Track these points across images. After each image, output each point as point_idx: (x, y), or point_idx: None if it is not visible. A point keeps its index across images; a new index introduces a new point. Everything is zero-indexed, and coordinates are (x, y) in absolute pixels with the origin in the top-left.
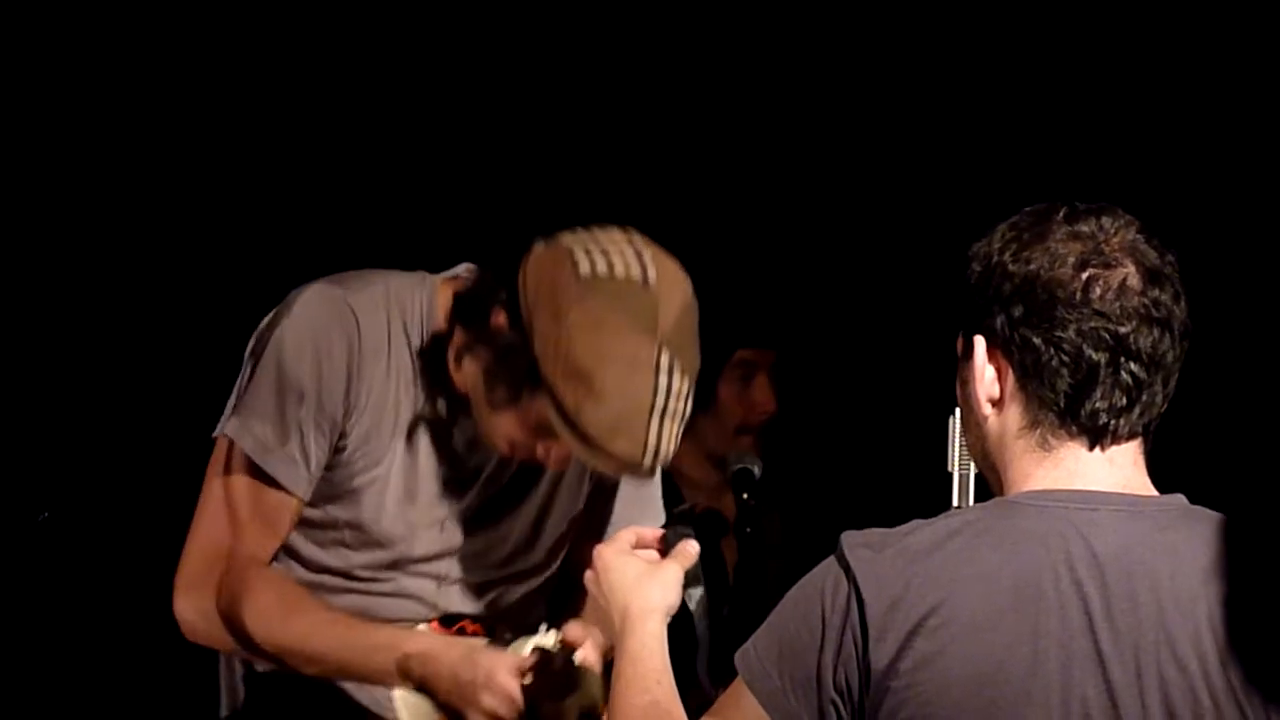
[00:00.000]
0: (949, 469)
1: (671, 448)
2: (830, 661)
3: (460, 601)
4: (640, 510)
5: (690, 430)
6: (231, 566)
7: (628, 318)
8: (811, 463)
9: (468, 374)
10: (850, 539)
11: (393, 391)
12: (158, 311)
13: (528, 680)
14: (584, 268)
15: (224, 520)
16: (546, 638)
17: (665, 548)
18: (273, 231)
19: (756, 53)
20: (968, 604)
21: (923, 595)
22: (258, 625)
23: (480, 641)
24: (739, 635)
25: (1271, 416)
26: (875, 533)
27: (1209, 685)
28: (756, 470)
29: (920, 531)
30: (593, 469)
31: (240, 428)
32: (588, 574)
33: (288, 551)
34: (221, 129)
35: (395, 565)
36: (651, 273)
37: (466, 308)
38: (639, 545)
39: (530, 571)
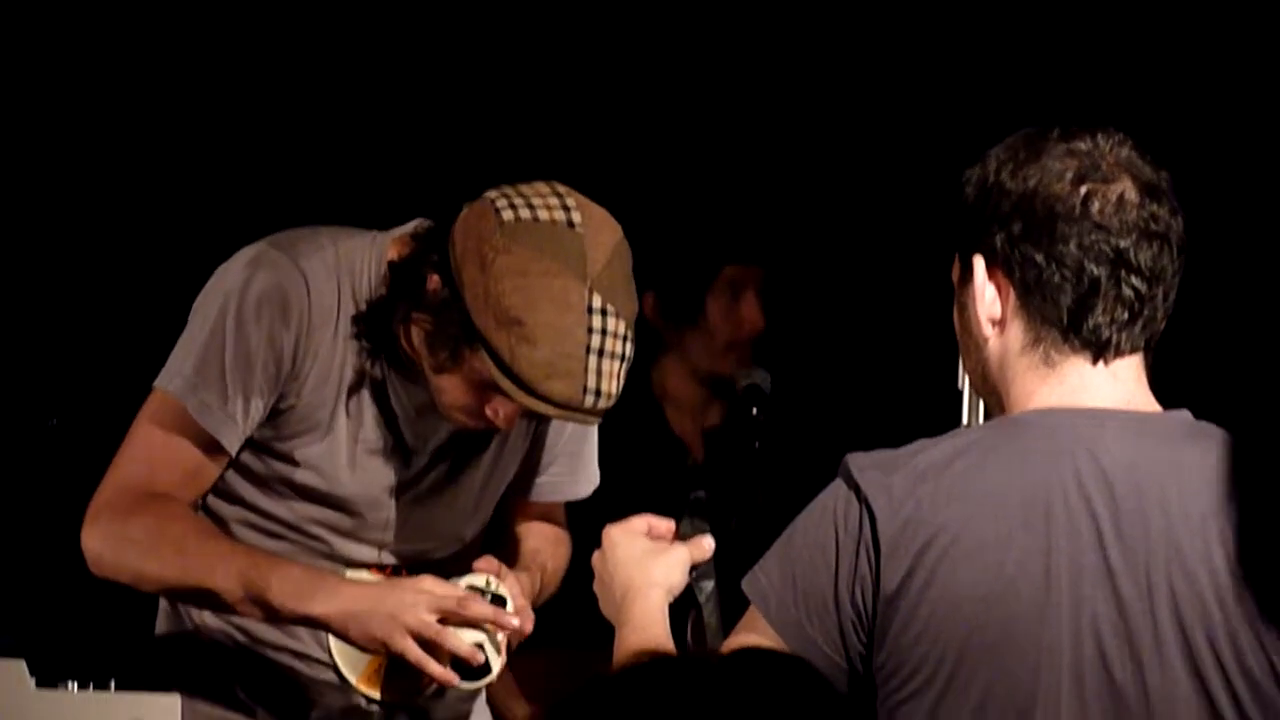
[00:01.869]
0: (959, 386)
1: (614, 388)
2: (846, 583)
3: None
4: (570, 468)
5: (677, 347)
6: (148, 501)
7: (555, 261)
8: (819, 381)
9: (413, 341)
10: (857, 461)
11: (339, 357)
12: (164, 219)
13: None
14: (507, 216)
15: (147, 462)
16: (477, 579)
17: (679, 539)
18: (266, 162)
19: None
20: (978, 522)
21: (933, 514)
22: (168, 555)
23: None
24: (748, 551)
25: (1269, 334)
26: (882, 454)
27: (1219, 599)
28: (766, 385)
29: (928, 451)
30: (537, 414)
31: (182, 384)
32: (595, 553)
33: (233, 498)
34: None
35: (339, 528)
36: (577, 216)
37: (402, 275)
38: (651, 535)
39: (467, 537)
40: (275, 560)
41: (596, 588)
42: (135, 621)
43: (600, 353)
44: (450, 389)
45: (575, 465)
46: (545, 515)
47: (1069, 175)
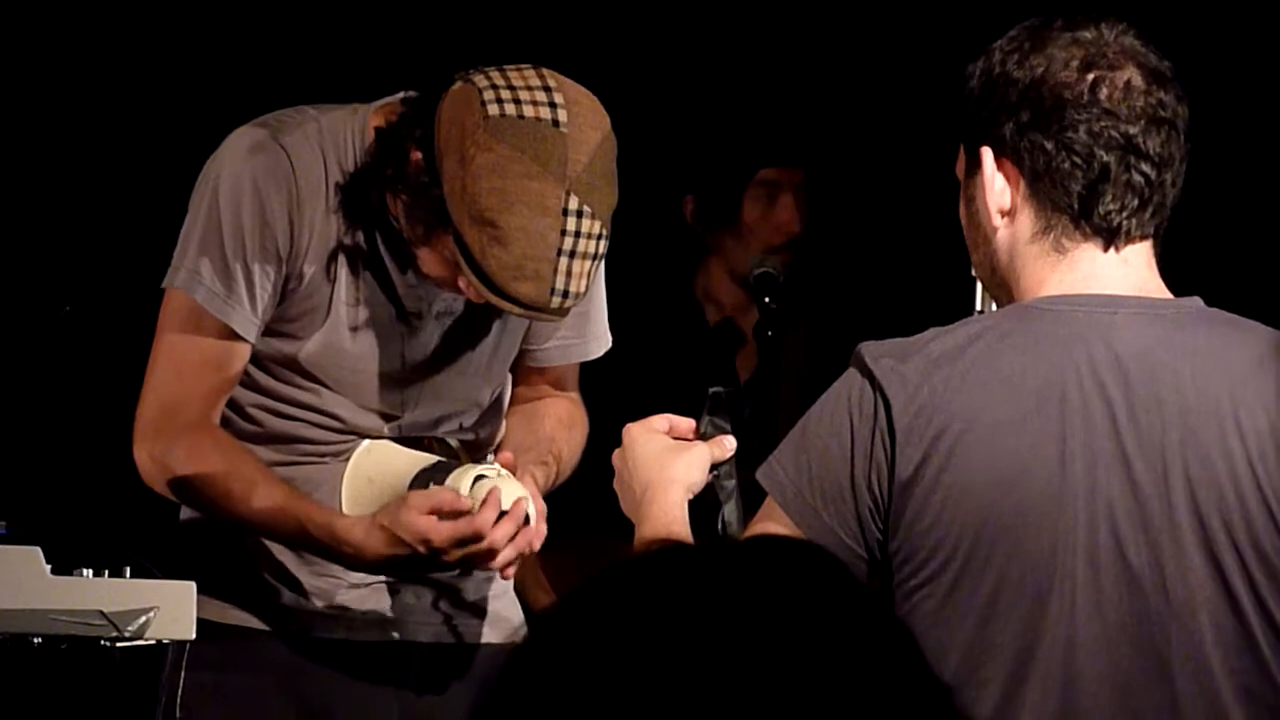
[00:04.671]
0: (973, 273)
1: (582, 286)
2: (862, 470)
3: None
4: (579, 330)
5: (718, 250)
6: (184, 422)
7: (535, 163)
8: (832, 267)
9: (395, 210)
10: (871, 349)
11: (334, 230)
12: (174, 105)
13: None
14: (492, 110)
15: (176, 371)
16: (488, 469)
17: (700, 438)
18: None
19: None
20: (992, 408)
21: (947, 400)
22: (203, 489)
23: (431, 458)
24: (761, 439)
25: (1272, 219)
26: (895, 342)
27: (1235, 484)
28: (779, 274)
29: (941, 339)
30: (502, 311)
31: (187, 277)
32: (616, 452)
33: (246, 383)
34: None
35: (353, 402)
36: (563, 115)
37: (386, 144)
38: (672, 432)
39: (483, 401)
40: (301, 501)
41: (616, 485)
42: (151, 510)
43: (571, 254)
44: (426, 260)
45: (584, 326)
46: (558, 382)
47: (1075, 63)
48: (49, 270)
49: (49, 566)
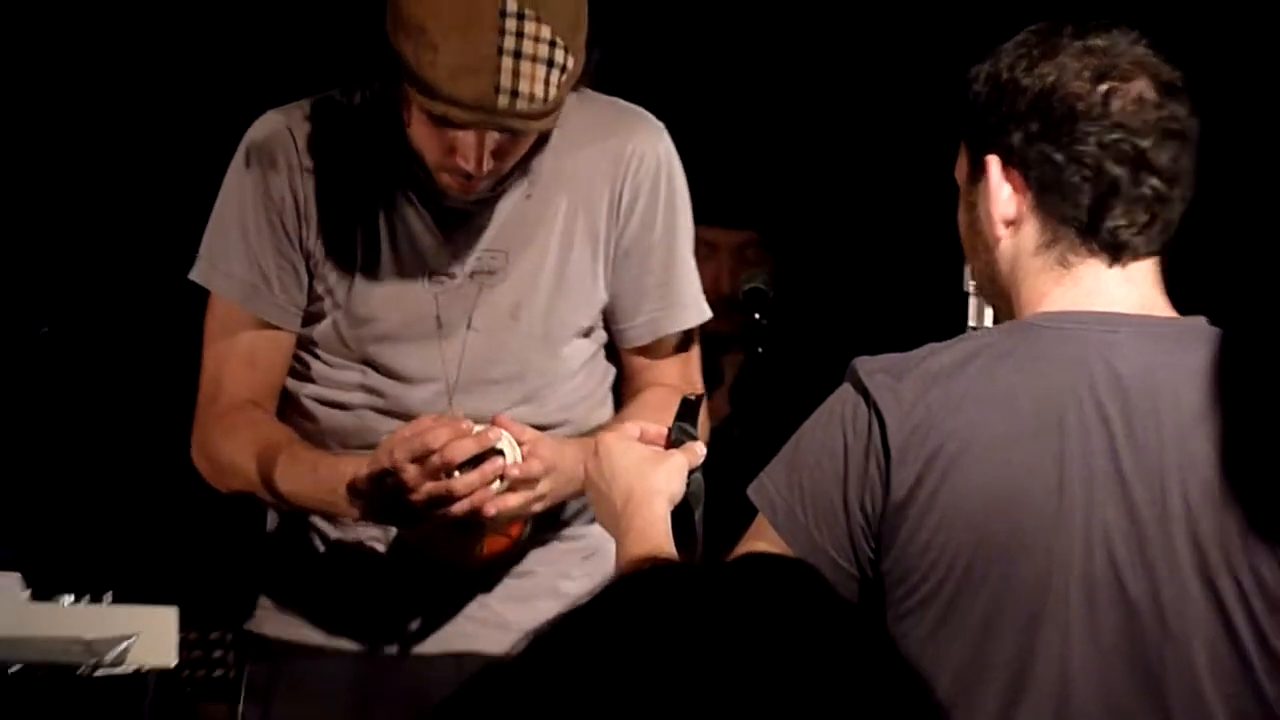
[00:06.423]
0: (965, 289)
1: (537, 90)
2: (855, 489)
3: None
4: (663, 301)
5: None
6: (220, 409)
7: None
8: (823, 283)
9: (405, 115)
10: (865, 365)
11: (351, 199)
12: (162, 126)
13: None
14: None
15: (216, 364)
16: (494, 433)
17: (671, 445)
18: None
19: None
20: (989, 427)
21: (943, 419)
22: (240, 465)
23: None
24: (750, 457)
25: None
26: (890, 358)
27: (1234, 505)
28: (769, 289)
29: (938, 355)
30: (452, 124)
31: (207, 269)
32: (590, 461)
33: (293, 373)
34: None
35: (398, 375)
36: None
37: (371, 56)
38: (644, 439)
39: (544, 367)
40: (334, 460)
41: (592, 495)
42: (132, 533)
43: (517, 54)
44: (420, 140)
45: (667, 295)
46: (656, 366)
47: (1087, 73)
48: (27, 290)
49: (28, 592)
